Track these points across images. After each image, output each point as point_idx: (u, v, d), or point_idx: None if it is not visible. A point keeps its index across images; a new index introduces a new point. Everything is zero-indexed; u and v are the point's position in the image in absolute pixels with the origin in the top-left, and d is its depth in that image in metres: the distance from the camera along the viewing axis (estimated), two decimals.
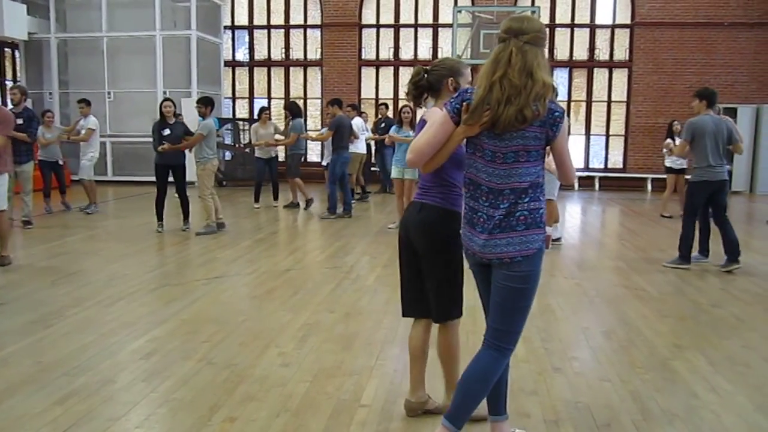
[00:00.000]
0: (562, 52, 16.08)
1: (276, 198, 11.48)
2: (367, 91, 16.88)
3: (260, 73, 17.40)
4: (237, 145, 15.33)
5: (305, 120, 16.99)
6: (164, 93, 14.29)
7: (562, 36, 16.06)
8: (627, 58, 15.83)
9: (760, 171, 14.81)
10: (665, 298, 5.66)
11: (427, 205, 2.96)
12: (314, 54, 16.91)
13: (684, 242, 6.77)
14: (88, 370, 3.77)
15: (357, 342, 4.32)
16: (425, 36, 16.53)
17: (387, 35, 16.65)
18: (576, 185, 15.69)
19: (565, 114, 2.58)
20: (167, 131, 8.47)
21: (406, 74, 15.94)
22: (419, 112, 3.74)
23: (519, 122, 2.47)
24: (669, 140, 10.75)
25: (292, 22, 16.95)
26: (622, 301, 5.56)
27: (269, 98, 17.02)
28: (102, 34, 15.08)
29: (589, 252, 8.01)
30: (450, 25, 15.16)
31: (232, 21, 17.14)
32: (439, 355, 3.15)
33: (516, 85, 2.46)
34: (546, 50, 2.61)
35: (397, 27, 16.57)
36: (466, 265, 2.92)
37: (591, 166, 16.44)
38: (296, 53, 17.06)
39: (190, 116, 11.39)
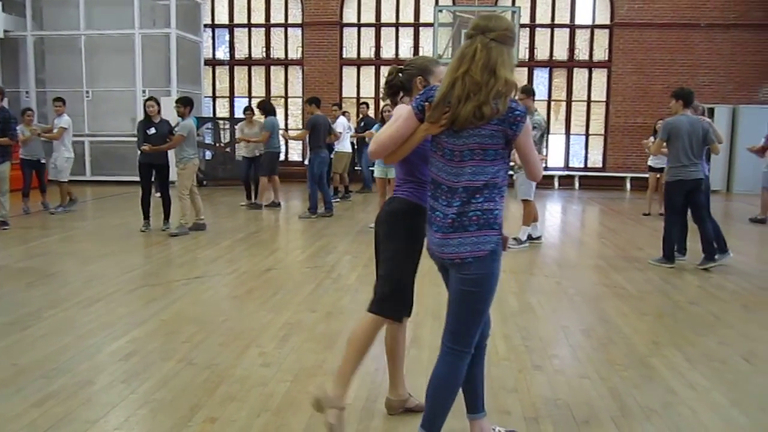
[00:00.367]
0: (542, 52, 16.19)
1: (249, 197, 11.36)
2: (348, 90, 16.86)
3: (241, 72, 17.31)
4: (217, 145, 15.25)
5: (285, 119, 17.02)
6: (143, 92, 14.18)
7: (542, 36, 16.17)
8: (606, 58, 15.98)
9: (736, 170, 15.02)
10: (644, 296, 5.72)
11: (398, 198, 2.98)
12: (295, 53, 16.86)
13: (666, 242, 6.84)
14: (66, 372, 3.73)
15: (338, 341, 4.31)
16: (406, 35, 16.55)
17: (368, 34, 16.65)
18: (556, 184, 15.83)
19: (527, 113, 2.55)
20: (153, 130, 8.40)
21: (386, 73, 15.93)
22: None
23: (477, 119, 2.44)
24: (646, 140, 10.86)
25: (272, 21, 16.88)
26: (602, 299, 5.61)
27: (250, 97, 16.93)
28: (80, 32, 14.92)
29: (569, 251, 8.07)
30: (431, 25, 15.20)
31: (212, 19, 17.03)
32: (349, 341, 3.03)
33: (477, 81, 2.44)
34: (514, 49, 2.58)
35: (378, 26, 16.58)
36: (424, 270, 2.89)
37: (571, 165, 16.56)
38: (277, 52, 17.00)
39: (170, 116, 11.29)
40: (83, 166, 14.65)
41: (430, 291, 5.12)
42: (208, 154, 15.31)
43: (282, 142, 15.21)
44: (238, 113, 16.25)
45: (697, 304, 5.46)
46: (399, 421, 3.18)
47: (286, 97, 17.16)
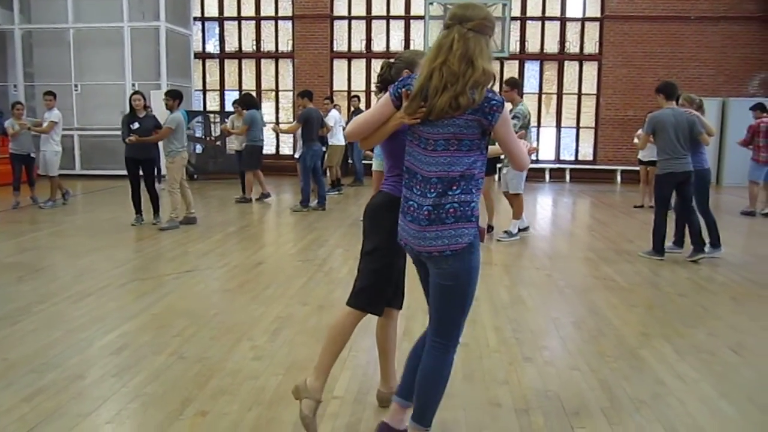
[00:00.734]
0: (533, 45, 16.19)
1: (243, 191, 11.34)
2: (339, 83, 16.81)
3: (231, 65, 17.22)
4: (208, 138, 15.19)
5: (276, 112, 16.98)
6: (133, 85, 14.09)
7: (533, 29, 16.17)
8: (597, 51, 16.00)
9: (726, 163, 15.11)
10: (634, 288, 5.75)
11: (382, 192, 2.95)
12: (286, 46, 16.79)
13: (656, 235, 6.87)
14: (57, 367, 3.72)
15: None
16: (397, 28, 16.51)
17: (359, 27, 16.60)
18: (547, 177, 15.87)
19: (505, 103, 2.51)
20: (136, 125, 8.38)
21: (378, 66, 15.91)
22: None
23: (453, 109, 2.41)
24: (637, 134, 10.93)
25: (263, 14, 16.79)
26: (592, 291, 5.64)
27: (240, 90, 16.83)
28: (68, 25, 14.80)
29: (560, 243, 8.10)
30: (422, 18, 15.18)
31: (202, 12, 16.93)
32: (327, 333, 3.03)
33: (455, 71, 2.41)
34: (492, 39, 2.55)
35: (369, 19, 16.53)
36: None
37: (562, 158, 16.60)
38: (268, 45, 16.92)
39: (160, 109, 11.24)
40: (73, 160, 14.57)
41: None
42: (199, 148, 15.26)
43: (272, 135, 15.24)
44: (229, 107, 16.21)
45: (687, 296, 5.50)
46: None
47: (276, 91, 17.09)
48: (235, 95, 16.20)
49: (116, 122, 8.90)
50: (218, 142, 14.93)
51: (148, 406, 3.24)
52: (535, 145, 10.54)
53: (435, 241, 2.47)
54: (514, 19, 15.49)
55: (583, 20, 16.04)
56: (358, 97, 14.20)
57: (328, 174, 12.44)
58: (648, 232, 7.12)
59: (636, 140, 11.41)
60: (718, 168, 15.27)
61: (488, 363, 3.86)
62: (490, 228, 8.12)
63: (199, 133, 15.05)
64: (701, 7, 15.32)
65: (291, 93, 16.67)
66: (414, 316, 4.58)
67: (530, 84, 16.38)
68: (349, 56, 16.67)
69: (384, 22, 16.52)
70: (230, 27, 17.04)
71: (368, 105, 14.04)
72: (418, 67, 2.96)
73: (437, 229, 2.47)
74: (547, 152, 16.44)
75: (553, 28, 16.13)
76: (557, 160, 16.50)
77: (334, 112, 12.09)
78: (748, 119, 10.97)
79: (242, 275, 6.04)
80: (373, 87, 16.10)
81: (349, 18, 16.57)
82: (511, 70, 15.99)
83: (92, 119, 14.90)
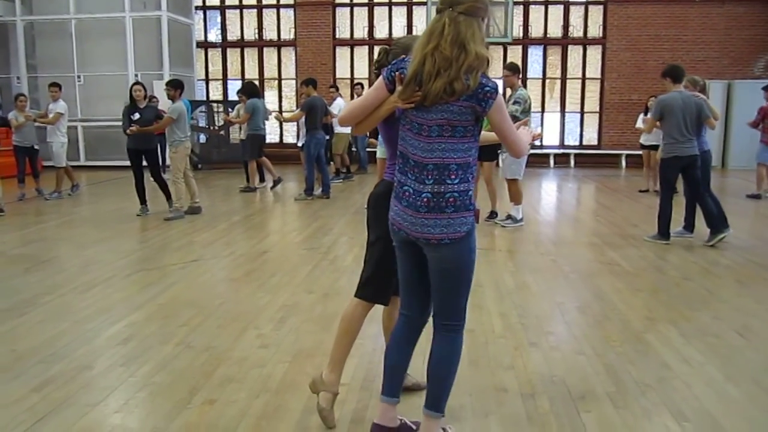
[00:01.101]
0: (536, 30, 16.09)
1: (248, 180, 11.34)
2: (342, 70, 16.75)
3: (233, 54, 17.17)
4: (212, 128, 15.18)
5: (279, 101, 16.95)
6: (135, 76, 14.08)
7: (536, 13, 16.06)
8: (601, 35, 15.89)
9: (731, 146, 15.03)
10: (639, 273, 5.75)
11: (384, 181, 2.92)
12: (288, 34, 16.73)
13: (662, 219, 6.85)
14: (65, 357, 3.74)
15: (336, 322, 4.26)
16: (399, 14, 16.42)
17: (361, 14, 16.52)
18: (551, 162, 15.83)
19: (499, 90, 2.48)
20: (137, 115, 8.38)
21: None
22: None
23: (448, 95, 2.38)
24: (643, 117, 10.86)
25: (264, 2, 16.73)
26: (597, 276, 5.64)
27: (243, 79, 16.78)
28: (70, 16, 14.78)
29: (565, 228, 8.09)
30: (424, 3, 15.09)
31: (204, 1, 16.87)
32: (339, 324, 3.07)
33: (447, 56, 2.38)
34: (487, 21, 2.49)
35: (371, 5, 16.44)
36: None
37: (566, 143, 16.53)
38: (270, 33, 16.87)
39: (164, 99, 11.26)
40: (77, 151, 14.58)
41: None
42: (203, 138, 15.26)
43: (276, 124, 15.20)
44: (232, 96, 16.20)
45: (692, 280, 5.49)
46: None
47: (279, 79, 17.06)
48: (238, 84, 16.16)
49: (120, 113, 8.88)
50: (222, 132, 14.92)
51: (155, 395, 3.27)
52: (539, 131, 10.51)
53: (433, 228, 2.46)
54: (516, 3, 15.38)
55: (587, 4, 15.92)
56: (361, 84, 14.12)
57: (332, 162, 12.45)
58: (653, 217, 7.10)
59: (638, 125, 11.36)
60: (724, 151, 15.21)
61: (494, 348, 3.87)
62: (494, 214, 8.13)
63: (202, 123, 15.03)
64: None
65: (294, 81, 16.63)
66: None
67: (534, 69, 16.31)
68: (352, 43, 16.60)
69: (386, 8, 16.44)
70: (232, 15, 16.98)
71: None
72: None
73: (436, 217, 2.45)
74: (551, 137, 16.39)
75: (556, 12, 16.02)
76: (561, 145, 16.44)
77: (339, 100, 12.08)
78: (753, 101, 10.92)
79: (248, 264, 6.05)
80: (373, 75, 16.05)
81: (351, 5, 16.49)
82: (514, 54, 15.90)
83: (96, 110, 14.90)
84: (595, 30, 15.95)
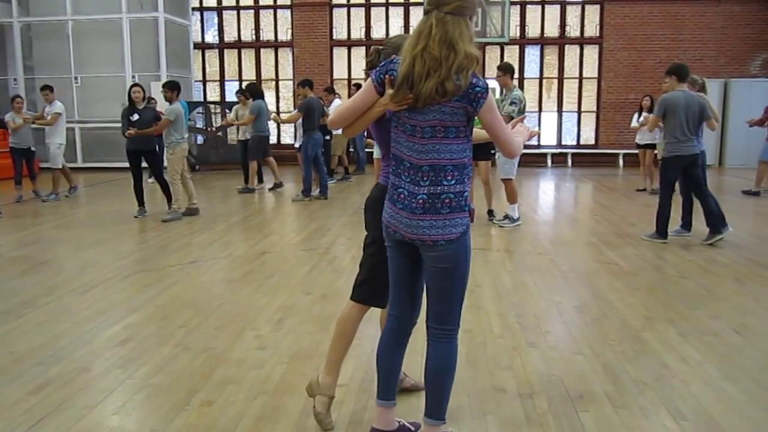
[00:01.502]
0: (533, 30, 16.10)
1: (246, 181, 11.34)
2: (340, 71, 16.75)
3: (231, 55, 17.16)
4: (209, 129, 15.17)
5: (276, 102, 16.93)
6: (133, 77, 14.06)
7: (533, 13, 16.07)
8: (597, 34, 15.90)
9: (728, 144, 15.04)
10: (637, 272, 5.76)
11: (379, 185, 2.91)
12: (285, 35, 16.72)
13: (660, 217, 6.86)
14: (63, 359, 3.74)
15: (334, 323, 4.27)
16: (396, 15, 16.41)
17: (358, 15, 16.51)
18: (549, 162, 15.84)
19: (490, 89, 2.46)
20: (136, 116, 8.37)
21: None
22: None
23: (440, 95, 2.37)
24: (645, 115, 10.77)
25: (261, 3, 16.71)
26: (595, 275, 5.65)
27: (240, 80, 16.80)
28: (66, 17, 14.76)
29: (562, 228, 8.10)
30: (421, 4, 15.07)
31: (200, 2, 16.87)
32: (336, 327, 3.07)
33: (436, 57, 2.36)
34: (473, 21, 2.47)
35: (368, 6, 16.44)
36: None
37: (563, 142, 16.54)
38: (267, 34, 16.86)
39: (161, 100, 11.26)
40: (74, 152, 14.55)
41: None
42: (200, 139, 15.25)
43: (273, 125, 15.18)
44: (229, 97, 16.19)
45: (690, 279, 5.50)
46: None
47: (276, 80, 17.05)
48: (235, 85, 16.20)
49: (117, 114, 8.88)
50: (219, 133, 14.92)
51: (154, 396, 3.27)
52: (536, 129, 10.49)
53: (429, 230, 2.45)
54: (513, 3, 15.39)
55: (584, 3, 15.92)
56: (358, 85, 14.14)
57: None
58: (650, 215, 7.11)
59: (633, 124, 11.37)
60: (721, 149, 15.22)
61: (492, 349, 3.87)
62: (491, 213, 8.14)
63: (200, 124, 15.02)
64: None
65: (291, 82, 16.63)
66: None
67: (531, 69, 16.32)
68: (349, 44, 16.60)
69: (383, 9, 16.43)
70: (229, 16, 16.97)
71: None
72: None
73: (432, 218, 2.45)
74: (548, 137, 16.39)
75: (553, 12, 16.02)
76: (559, 144, 16.45)
77: (336, 101, 12.05)
78: (749, 100, 10.92)
79: (246, 265, 6.05)
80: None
81: (348, 5, 16.49)
82: (511, 54, 15.91)
83: (93, 112, 14.89)
84: (591, 29, 15.96)
